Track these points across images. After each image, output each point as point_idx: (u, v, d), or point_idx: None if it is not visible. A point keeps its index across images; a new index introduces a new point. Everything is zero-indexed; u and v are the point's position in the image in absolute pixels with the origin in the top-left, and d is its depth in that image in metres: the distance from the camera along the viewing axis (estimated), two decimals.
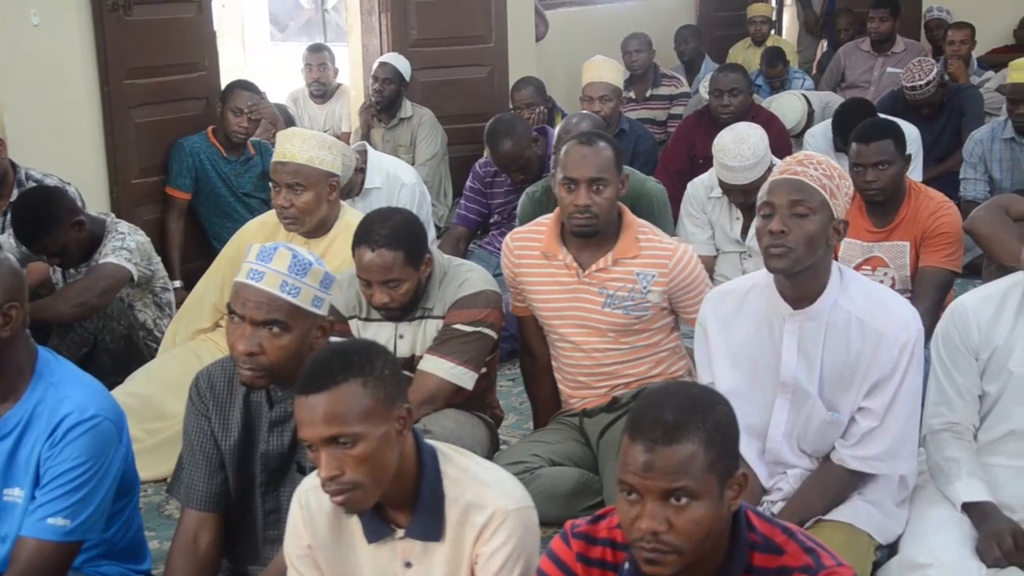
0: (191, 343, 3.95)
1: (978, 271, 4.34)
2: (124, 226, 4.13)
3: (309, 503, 2.23)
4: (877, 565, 2.75)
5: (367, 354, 2.10)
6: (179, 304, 4.28)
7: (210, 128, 5.19)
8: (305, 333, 2.47)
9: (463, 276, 3.27)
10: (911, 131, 5.25)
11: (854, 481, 2.77)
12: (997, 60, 7.88)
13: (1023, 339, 2.76)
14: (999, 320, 2.79)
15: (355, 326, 3.32)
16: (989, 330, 2.80)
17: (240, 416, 2.60)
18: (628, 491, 1.83)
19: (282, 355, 2.43)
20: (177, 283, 4.82)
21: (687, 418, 1.82)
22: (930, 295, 3.81)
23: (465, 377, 3.21)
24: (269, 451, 2.59)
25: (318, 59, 7.13)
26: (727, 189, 4.28)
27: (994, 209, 3.83)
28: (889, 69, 7.56)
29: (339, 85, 7.22)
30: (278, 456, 2.59)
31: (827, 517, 2.72)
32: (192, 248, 5.21)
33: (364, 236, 3.10)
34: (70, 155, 4.72)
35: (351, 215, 3.72)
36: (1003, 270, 3.37)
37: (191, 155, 5.12)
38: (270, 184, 3.78)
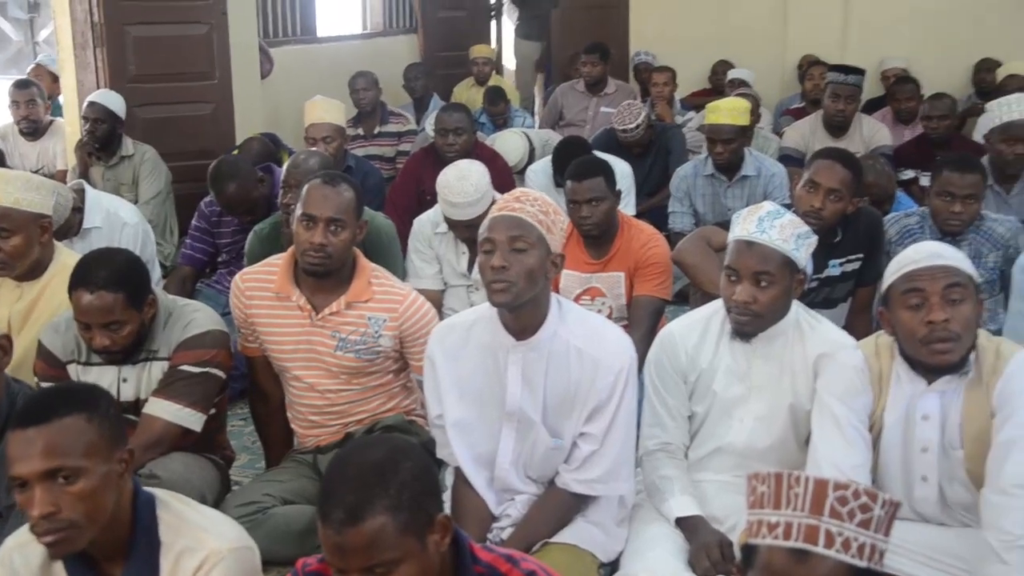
0: None
1: (687, 298, 4.60)
2: None
3: (13, 562, 2.13)
4: None
5: (91, 392, 2.08)
6: None
7: None
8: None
9: (189, 316, 3.20)
10: (623, 168, 5.55)
11: (577, 504, 2.88)
12: (697, 102, 8.40)
13: (725, 362, 2.96)
14: (703, 345, 2.99)
15: (74, 371, 3.18)
16: (695, 354, 2.98)
17: None
18: (336, 570, 1.83)
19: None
20: None
21: (369, 491, 1.79)
22: (644, 322, 4.00)
23: (193, 419, 3.13)
24: None
25: (25, 96, 6.79)
26: (452, 225, 4.38)
27: (697, 240, 4.07)
28: (603, 109, 7.95)
29: (52, 121, 6.90)
30: None
31: (553, 540, 2.81)
32: None
33: (82, 278, 2.98)
34: None
35: (67, 256, 3.58)
36: (707, 297, 3.59)
37: None
38: None
